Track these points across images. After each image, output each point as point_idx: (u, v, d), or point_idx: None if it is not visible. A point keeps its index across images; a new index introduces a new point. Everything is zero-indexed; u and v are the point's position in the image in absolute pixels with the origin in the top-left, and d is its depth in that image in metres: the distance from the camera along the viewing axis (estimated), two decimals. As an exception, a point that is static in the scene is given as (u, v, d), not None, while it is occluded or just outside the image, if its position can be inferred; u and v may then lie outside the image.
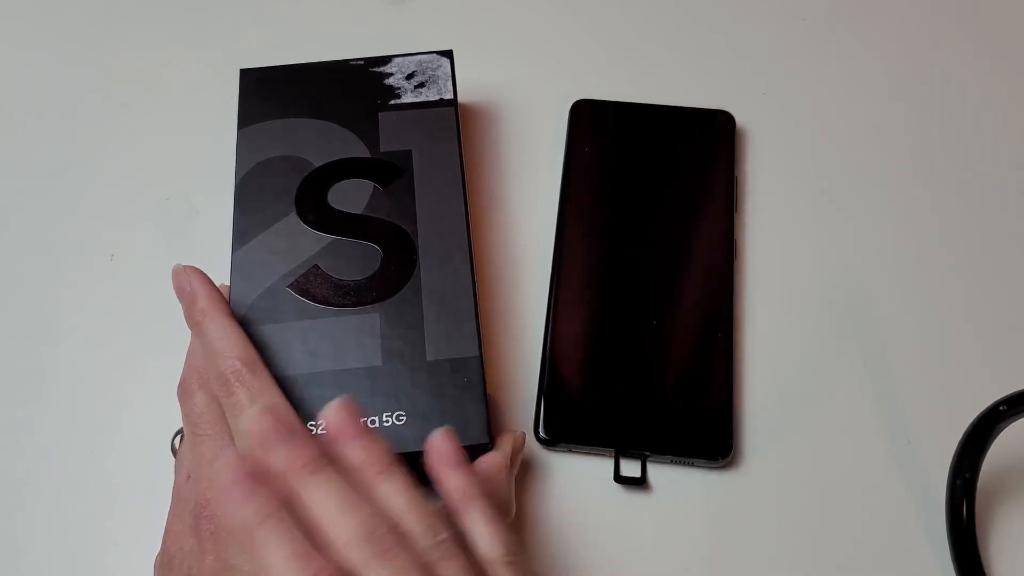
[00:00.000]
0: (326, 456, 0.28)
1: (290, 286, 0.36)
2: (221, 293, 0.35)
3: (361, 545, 0.26)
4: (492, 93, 0.47)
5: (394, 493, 0.28)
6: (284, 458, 0.28)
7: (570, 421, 0.37)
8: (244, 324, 0.35)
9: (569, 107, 0.45)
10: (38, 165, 0.45)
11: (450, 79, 0.42)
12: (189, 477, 0.32)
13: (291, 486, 0.27)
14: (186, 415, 0.33)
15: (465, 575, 0.26)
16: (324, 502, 0.27)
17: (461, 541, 0.28)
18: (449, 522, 0.28)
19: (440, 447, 0.30)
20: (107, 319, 0.41)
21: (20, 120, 0.47)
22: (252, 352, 0.33)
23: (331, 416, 0.29)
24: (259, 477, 0.26)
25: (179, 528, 0.31)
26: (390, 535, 0.26)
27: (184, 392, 0.33)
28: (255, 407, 0.29)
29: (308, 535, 0.26)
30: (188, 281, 0.34)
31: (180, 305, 0.35)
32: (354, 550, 0.26)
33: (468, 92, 0.47)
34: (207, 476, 0.31)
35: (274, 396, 0.32)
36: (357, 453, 0.28)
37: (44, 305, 0.42)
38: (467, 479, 0.29)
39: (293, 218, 0.38)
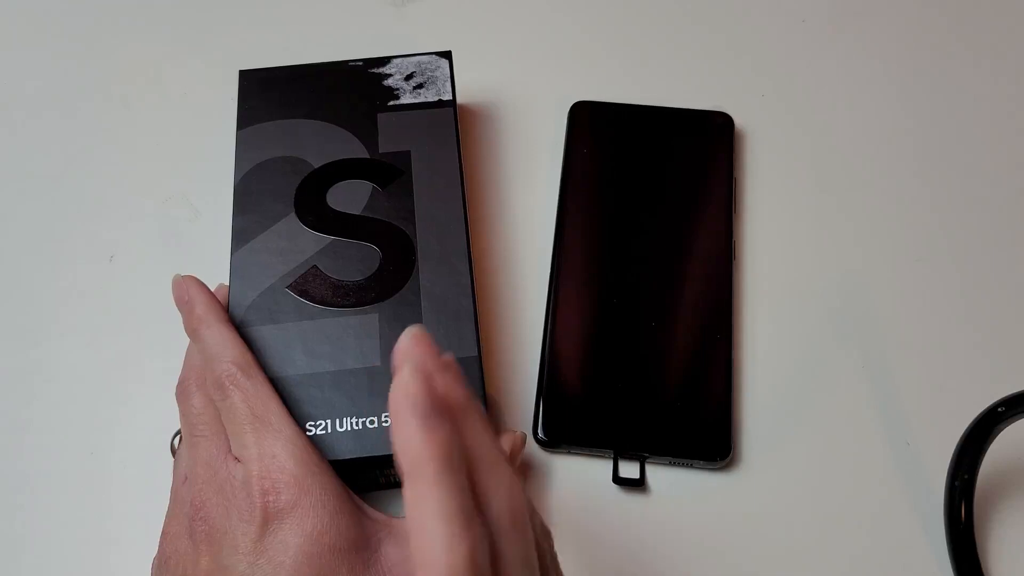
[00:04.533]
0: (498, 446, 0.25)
1: (289, 287, 0.36)
2: (218, 300, 0.35)
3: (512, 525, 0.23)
4: (491, 94, 0.47)
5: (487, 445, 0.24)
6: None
7: (569, 422, 0.37)
8: (243, 325, 0.35)
9: (568, 108, 0.45)
10: (38, 165, 0.46)
11: (449, 80, 0.42)
12: (186, 479, 0.32)
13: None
14: (184, 416, 0.33)
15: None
16: (480, 455, 0.23)
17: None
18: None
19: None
20: (107, 319, 0.41)
21: (20, 120, 0.47)
22: (248, 356, 0.33)
23: (410, 347, 0.24)
24: (439, 403, 0.23)
25: (175, 530, 0.32)
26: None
27: (182, 393, 0.34)
28: (412, 329, 0.24)
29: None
30: (186, 290, 0.35)
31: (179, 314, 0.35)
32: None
33: (467, 93, 0.47)
34: (203, 478, 0.31)
35: (268, 400, 0.32)
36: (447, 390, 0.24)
37: (44, 305, 0.42)
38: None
39: (292, 219, 0.38)
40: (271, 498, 0.29)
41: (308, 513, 0.29)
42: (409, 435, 0.22)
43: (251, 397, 0.32)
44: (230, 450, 0.32)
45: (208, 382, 0.33)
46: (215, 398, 0.32)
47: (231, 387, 0.32)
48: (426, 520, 0.22)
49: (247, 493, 0.30)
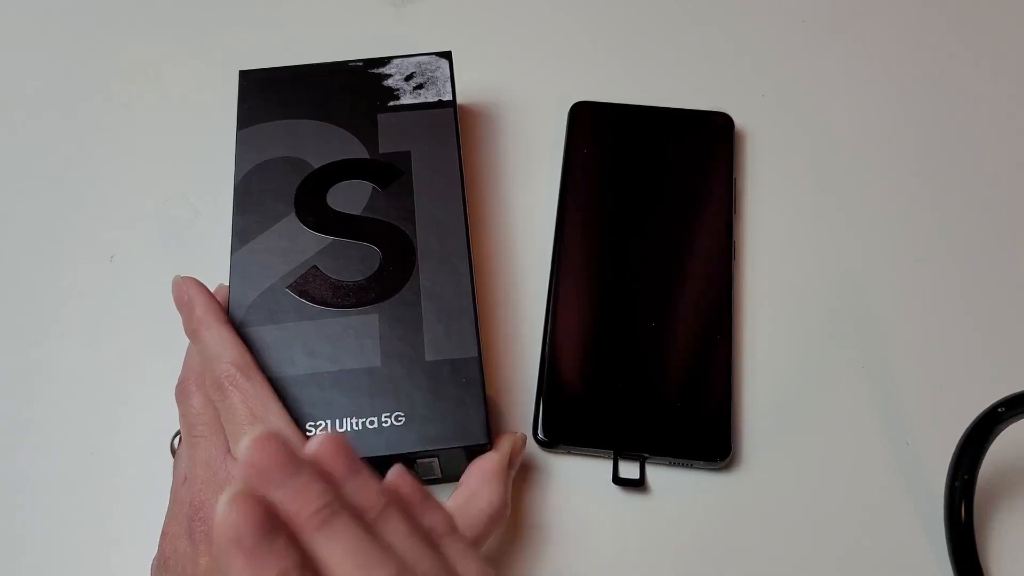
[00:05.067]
0: (335, 498, 0.23)
1: (289, 287, 0.36)
2: (218, 301, 0.35)
3: None
4: (491, 95, 0.47)
5: (404, 535, 0.23)
6: (292, 502, 0.22)
7: (569, 423, 0.37)
8: (243, 325, 0.35)
9: (568, 109, 0.45)
10: (38, 166, 0.46)
11: (449, 80, 0.42)
12: (186, 479, 0.32)
13: (303, 538, 0.22)
14: (183, 417, 0.33)
15: None
16: (341, 562, 0.22)
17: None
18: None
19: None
20: (107, 319, 0.41)
21: (20, 120, 0.47)
22: (247, 357, 0.33)
23: (322, 452, 0.24)
24: (268, 527, 0.21)
25: (175, 530, 0.32)
26: None
27: (182, 394, 0.34)
28: (254, 432, 0.23)
29: None
30: (186, 291, 0.35)
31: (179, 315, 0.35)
32: None
33: (468, 93, 0.47)
34: (202, 478, 0.31)
35: (268, 401, 0.32)
36: (356, 495, 0.24)
37: (44, 305, 0.42)
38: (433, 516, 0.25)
39: (292, 219, 0.38)
40: None
41: None
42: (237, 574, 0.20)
43: (250, 398, 0.32)
44: (229, 450, 0.32)
45: (207, 383, 0.33)
46: (214, 399, 0.32)
47: (230, 388, 0.32)
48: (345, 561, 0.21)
49: None
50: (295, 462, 0.22)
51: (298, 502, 0.22)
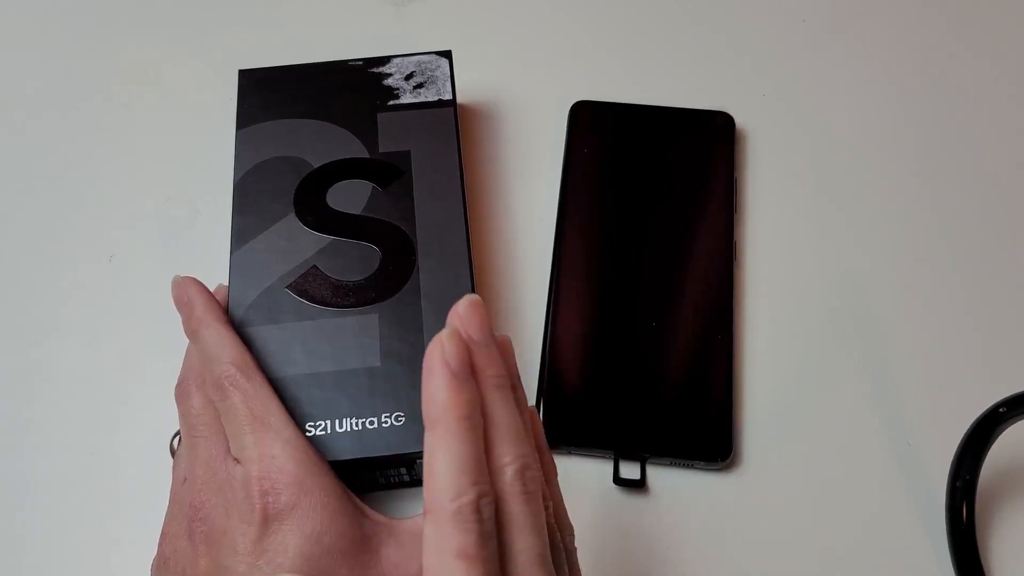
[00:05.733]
0: (506, 371, 0.26)
1: (289, 287, 0.36)
2: (218, 301, 0.35)
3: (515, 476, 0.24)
4: (492, 94, 0.47)
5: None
6: (482, 359, 0.25)
7: (570, 423, 0.37)
8: (243, 325, 0.35)
9: (569, 108, 0.45)
10: (38, 165, 0.45)
11: (449, 80, 0.42)
12: (185, 480, 0.32)
13: (480, 388, 0.25)
14: (183, 417, 0.33)
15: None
16: (506, 422, 0.25)
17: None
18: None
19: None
20: (107, 319, 0.41)
21: (20, 120, 0.47)
22: (247, 357, 0.33)
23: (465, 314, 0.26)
24: (469, 365, 0.25)
25: (174, 530, 0.32)
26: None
27: (182, 394, 0.34)
28: (471, 297, 0.26)
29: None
30: (186, 291, 0.35)
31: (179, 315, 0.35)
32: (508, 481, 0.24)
33: (468, 93, 0.47)
34: (202, 479, 0.31)
35: (268, 401, 0.32)
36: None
37: (44, 305, 0.42)
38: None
39: (292, 219, 0.38)
40: (271, 499, 0.29)
41: (308, 514, 0.29)
42: (437, 387, 0.24)
43: (250, 398, 0.32)
44: (229, 451, 0.32)
45: (207, 383, 0.33)
46: (214, 399, 0.32)
47: (230, 388, 0.32)
48: (438, 466, 0.23)
49: (247, 494, 0.30)
50: (491, 332, 0.26)
51: (486, 362, 0.25)
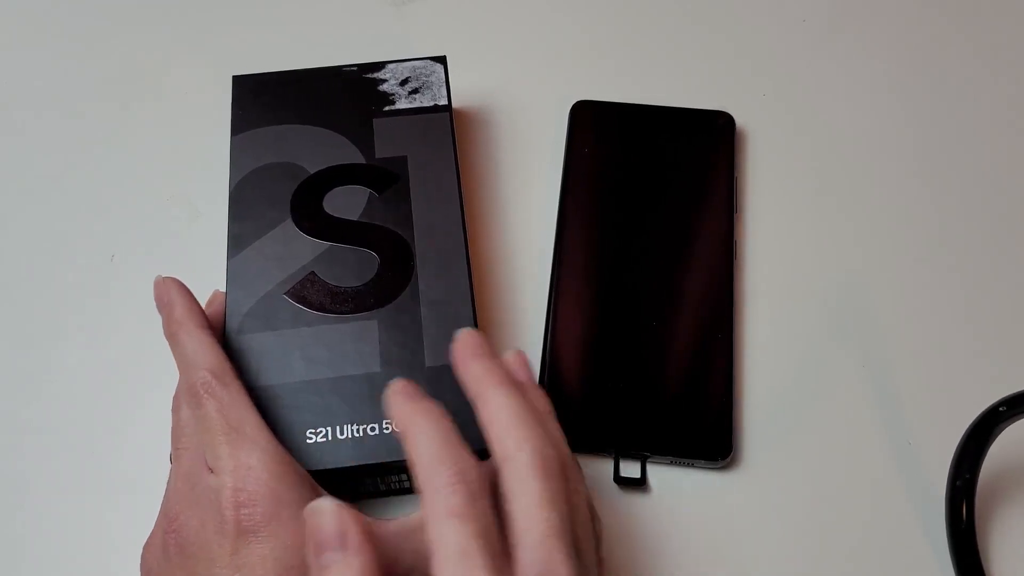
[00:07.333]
0: (507, 376, 0.31)
1: (287, 293, 0.36)
2: (199, 305, 0.34)
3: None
4: (491, 96, 0.47)
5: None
6: (484, 364, 0.31)
7: (570, 423, 0.37)
8: (241, 331, 0.35)
9: (569, 108, 0.45)
10: (39, 166, 0.45)
11: (444, 85, 0.42)
12: (167, 491, 0.32)
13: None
14: (172, 428, 0.33)
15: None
16: (505, 404, 0.28)
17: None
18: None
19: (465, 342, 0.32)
20: (107, 320, 0.41)
21: (21, 121, 0.47)
22: (225, 364, 0.32)
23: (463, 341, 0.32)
24: (481, 352, 0.31)
25: (156, 541, 0.31)
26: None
27: (175, 405, 0.33)
28: (467, 329, 0.32)
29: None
30: (167, 292, 0.34)
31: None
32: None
33: (467, 95, 0.47)
34: (180, 491, 0.30)
35: (244, 410, 0.31)
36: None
37: (45, 305, 0.42)
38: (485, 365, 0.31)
39: (289, 225, 0.38)
40: (245, 511, 0.29)
41: (286, 525, 0.28)
42: (475, 365, 0.30)
43: (226, 406, 0.31)
44: (207, 463, 0.31)
45: (184, 390, 0.32)
46: (190, 407, 0.31)
47: (205, 396, 0.31)
48: (417, 448, 0.27)
49: (221, 506, 0.29)
50: (490, 349, 0.31)
51: (488, 367, 0.30)
